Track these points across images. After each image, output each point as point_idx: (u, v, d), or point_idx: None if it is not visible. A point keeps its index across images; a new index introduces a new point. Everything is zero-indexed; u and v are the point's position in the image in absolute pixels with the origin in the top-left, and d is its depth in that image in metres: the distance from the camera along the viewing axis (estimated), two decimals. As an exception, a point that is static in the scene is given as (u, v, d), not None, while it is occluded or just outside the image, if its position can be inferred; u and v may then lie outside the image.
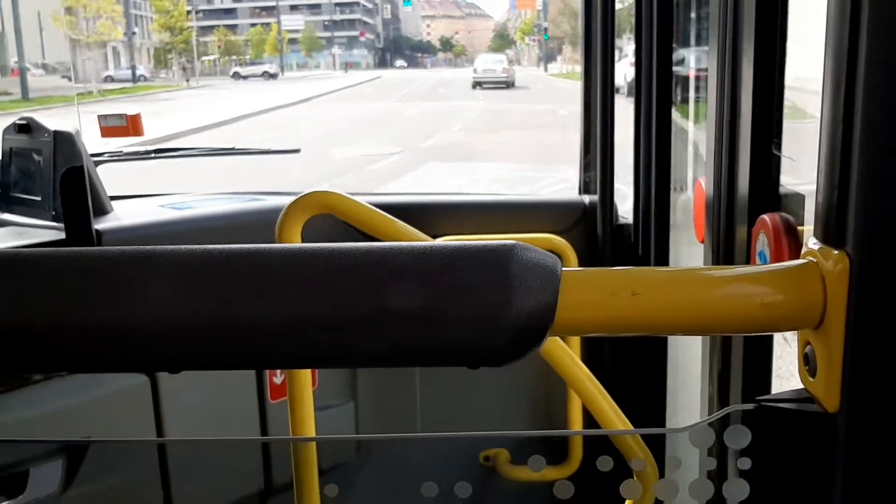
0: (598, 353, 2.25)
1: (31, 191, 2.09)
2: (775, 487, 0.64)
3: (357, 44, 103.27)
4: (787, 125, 1.20)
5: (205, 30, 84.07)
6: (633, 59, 2.07)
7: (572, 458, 2.18)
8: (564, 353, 1.55)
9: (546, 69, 61.32)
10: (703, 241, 1.49)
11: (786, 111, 1.20)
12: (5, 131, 2.17)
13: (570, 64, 56.96)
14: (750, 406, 0.63)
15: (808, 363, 0.60)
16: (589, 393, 1.55)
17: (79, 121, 2.07)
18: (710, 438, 0.62)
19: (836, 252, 0.55)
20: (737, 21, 1.22)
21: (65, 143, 1.99)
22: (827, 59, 0.56)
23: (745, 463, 0.62)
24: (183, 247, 0.54)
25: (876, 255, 0.54)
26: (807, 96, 1.26)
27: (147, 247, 0.54)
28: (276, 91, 33.97)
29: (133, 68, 49.20)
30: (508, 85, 35.92)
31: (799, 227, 1.10)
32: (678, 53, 1.97)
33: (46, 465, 1.80)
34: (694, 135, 2.00)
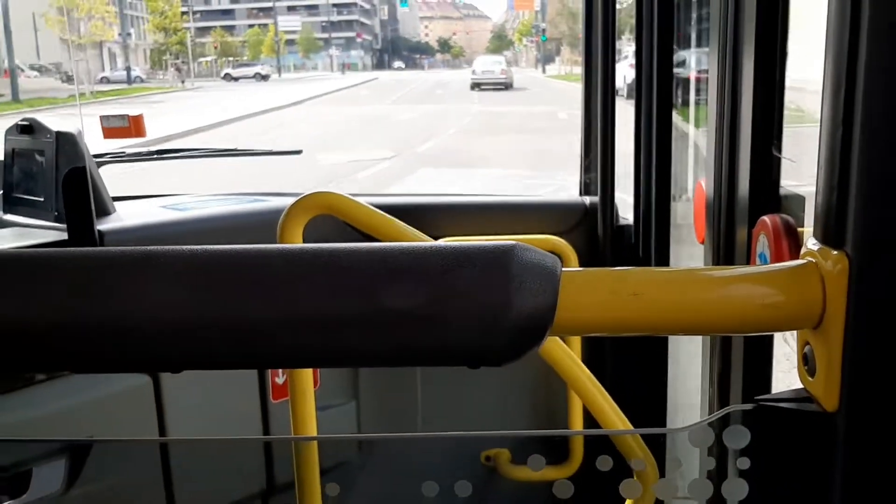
0: (598, 354, 2.26)
1: (34, 191, 2.09)
2: (775, 487, 0.64)
3: (355, 45, 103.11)
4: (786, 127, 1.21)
5: (202, 31, 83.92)
6: (632, 61, 2.08)
7: (573, 458, 2.18)
8: (565, 353, 1.56)
9: (544, 71, 61.22)
10: (703, 242, 1.50)
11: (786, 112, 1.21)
12: (8, 132, 2.17)
13: (568, 65, 56.93)
14: (749, 406, 0.63)
15: (807, 363, 0.60)
16: (589, 393, 1.55)
17: (81, 122, 2.08)
18: (709, 438, 0.62)
19: (836, 253, 0.55)
20: (737, 22, 1.23)
21: (67, 143, 1.99)
22: (827, 61, 0.56)
23: (745, 463, 0.62)
24: (185, 247, 0.54)
25: (875, 256, 0.54)
26: (807, 96, 1.27)
27: (149, 247, 0.54)
28: (271, 93, 33.52)
29: (128, 69, 48.94)
30: (507, 86, 35.94)
31: (799, 229, 1.11)
32: (678, 55, 1.98)
33: (49, 464, 1.80)
34: (695, 140, 2.01)
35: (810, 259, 0.58)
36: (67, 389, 1.89)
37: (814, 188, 0.59)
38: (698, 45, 1.97)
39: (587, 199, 2.38)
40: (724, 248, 1.33)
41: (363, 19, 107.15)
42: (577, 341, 2.13)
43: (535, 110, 22.43)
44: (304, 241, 1.56)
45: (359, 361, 0.63)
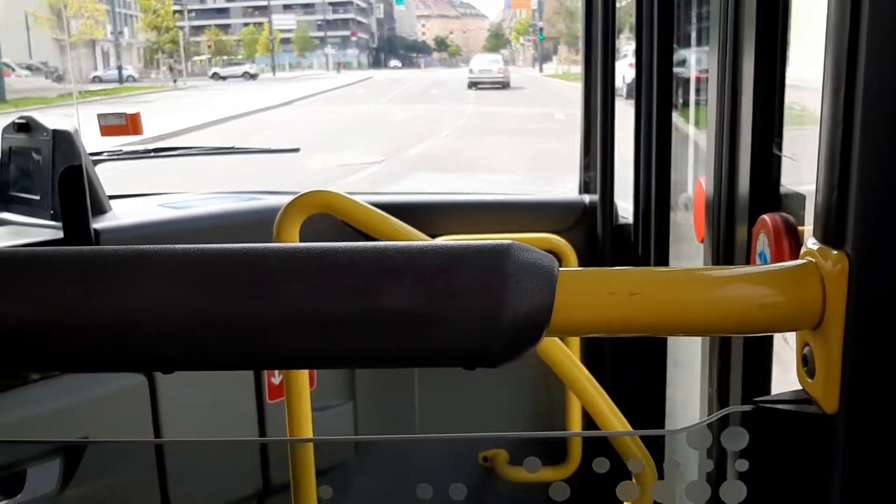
0: (597, 354, 2.26)
1: (30, 189, 2.08)
2: (773, 489, 0.63)
3: (350, 43, 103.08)
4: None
5: (197, 29, 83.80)
6: (631, 60, 2.07)
7: (571, 459, 2.18)
8: (563, 353, 1.55)
9: (541, 70, 61.20)
10: (702, 241, 1.50)
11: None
12: (4, 130, 2.17)
13: (565, 64, 56.91)
14: (748, 407, 0.63)
15: (806, 364, 0.60)
16: (588, 394, 1.55)
17: (78, 120, 2.07)
18: (707, 440, 0.62)
19: (836, 252, 0.55)
20: (737, 20, 1.22)
21: (64, 142, 1.99)
22: (827, 60, 0.56)
23: (743, 465, 0.61)
24: (179, 246, 0.54)
25: (875, 256, 0.54)
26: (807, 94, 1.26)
27: (144, 246, 0.54)
28: (264, 92, 33.18)
29: (119, 69, 48.71)
30: (504, 85, 35.95)
31: (800, 228, 1.10)
32: (678, 54, 1.98)
33: (44, 465, 1.80)
34: (695, 142, 2.00)
35: (810, 259, 0.58)
36: (62, 389, 1.88)
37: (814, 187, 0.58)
38: (698, 43, 1.97)
39: (586, 198, 2.38)
40: (724, 247, 1.32)
41: (359, 18, 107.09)
42: (575, 342, 2.13)
43: (532, 111, 22.28)
44: (301, 240, 1.56)
45: (352, 362, 0.63)
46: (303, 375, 1.64)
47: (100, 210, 2.08)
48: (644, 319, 0.58)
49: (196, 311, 0.52)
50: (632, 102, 2.07)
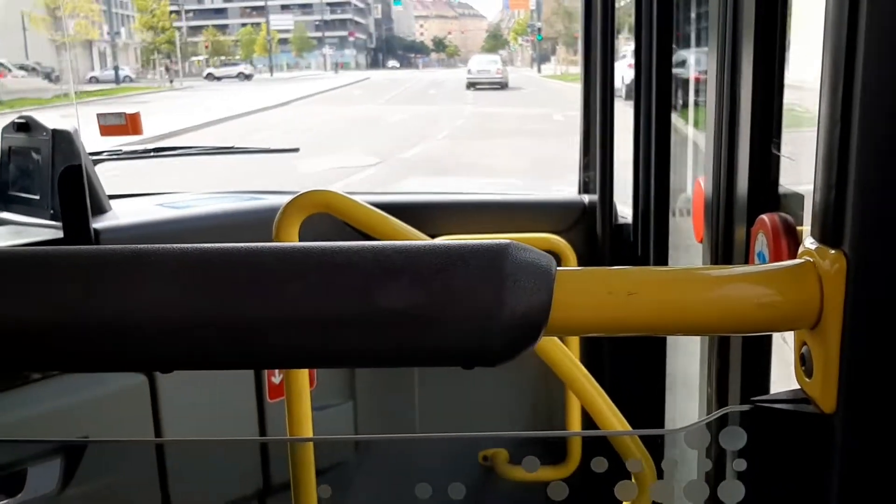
0: (596, 354, 2.26)
1: (30, 189, 2.09)
2: (771, 489, 0.63)
3: (348, 44, 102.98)
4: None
5: (194, 30, 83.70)
6: (630, 61, 2.08)
7: (571, 458, 2.18)
8: (563, 353, 1.56)
9: (539, 70, 61.14)
10: (701, 241, 1.50)
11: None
12: (4, 129, 2.17)
13: (563, 65, 56.89)
14: (746, 407, 0.63)
15: (804, 364, 0.60)
16: (587, 393, 1.55)
17: (77, 120, 2.07)
18: (705, 439, 0.62)
19: (833, 252, 0.55)
20: (736, 21, 1.23)
21: (63, 141, 1.99)
22: (825, 59, 0.56)
23: (741, 464, 0.62)
24: (178, 246, 0.54)
25: (873, 255, 0.54)
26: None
27: (144, 246, 0.54)
28: (261, 92, 32.99)
29: (116, 69, 48.57)
30: (502, 86, 35.94)
31: (798, 228, 1.11)
32: (678, 55, 1.98)
33: (44, 464, 1.80)
34: (694, 142, 2.00)
35: (808, 258, 0.58)
36: (62, 389, 1.88)
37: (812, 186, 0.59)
38: (698, 44, 1.97)
39: (586, 198, 2.38)
40: (723, 247, 1.33)
41: (357, 18, 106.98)
42: (575, 341, 2.13)
43: (531, 112, 22.16)
44: (301, 240, 1.56)
45: (350, 361, 0.63)
46: (303, 375, 1.64)
47: (99, 210, 2.08)
48: (643, 319, 0.58)
49: (196, 311, 0.52)
50: (631, 103, 2.08)
